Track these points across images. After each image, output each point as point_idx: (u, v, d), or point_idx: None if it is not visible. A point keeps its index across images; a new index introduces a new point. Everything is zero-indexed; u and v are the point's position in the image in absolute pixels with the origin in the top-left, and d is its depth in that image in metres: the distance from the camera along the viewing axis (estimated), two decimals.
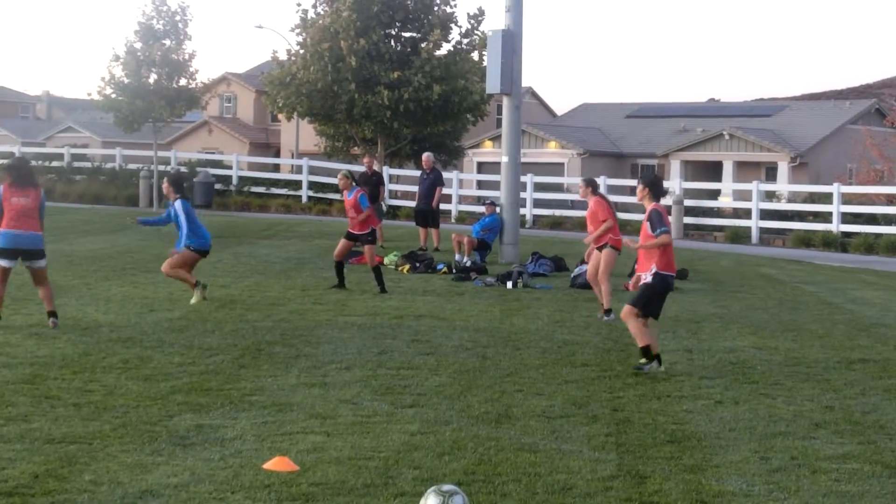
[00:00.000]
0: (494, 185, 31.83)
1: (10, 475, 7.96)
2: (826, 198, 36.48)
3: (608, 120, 68.06)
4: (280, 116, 54.50)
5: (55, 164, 50.51)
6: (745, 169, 57.78)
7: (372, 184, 26.98)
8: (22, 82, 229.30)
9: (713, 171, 58.43)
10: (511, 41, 24.88)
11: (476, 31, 43.69)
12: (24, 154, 46.38)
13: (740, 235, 36.11)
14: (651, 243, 12.30)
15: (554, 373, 12.28)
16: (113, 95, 42.17)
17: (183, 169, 47.46)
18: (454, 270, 22.06)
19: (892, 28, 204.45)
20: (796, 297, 20.41)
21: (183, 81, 42.66)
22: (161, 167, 45.43)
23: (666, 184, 43.84)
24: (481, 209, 29.81)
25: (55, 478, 7.94)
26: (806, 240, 34.53)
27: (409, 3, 43.35)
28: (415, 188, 31.74)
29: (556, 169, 58.54)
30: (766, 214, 36.77)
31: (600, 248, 16.89)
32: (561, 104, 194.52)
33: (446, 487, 7.31)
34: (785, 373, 12.63)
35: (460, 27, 43.94)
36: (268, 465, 8.28)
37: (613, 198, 41.22)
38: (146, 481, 7.92)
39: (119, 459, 8.43)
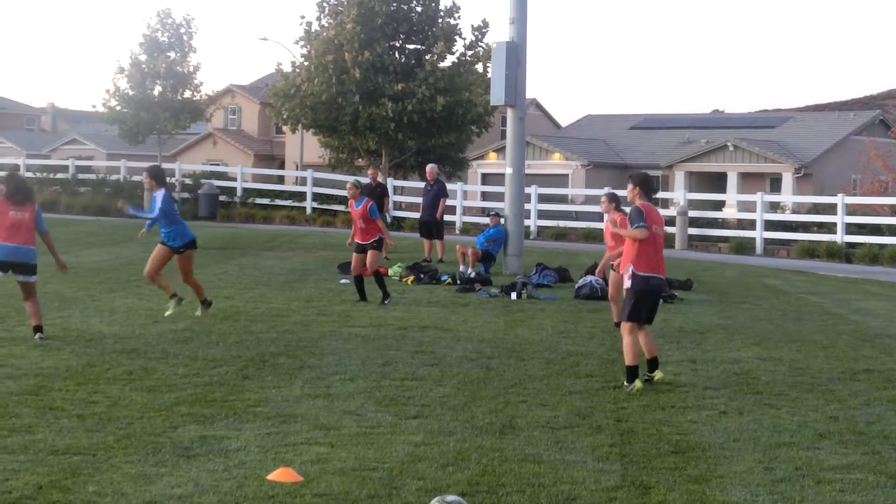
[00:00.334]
0: (499, 197, 31.95)
1: (14, 486, 7.96)
2: (830, 209, 36.47)
3: (612, 131, 68.12)
4: (284, 128, 54.48)
5: (60, 176, 50.56)
6: (749, 180, 57.80)
7: (376, 195, 26.95)
8: (27, 94, 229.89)
9: (717, 182, 58.46)
10: (515, 53, 24.90)
11: (480, 43, 43.79)
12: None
13: (745, 246, 36.08)
14: (626, 232, 12.13)
15: (558, 383, 12.27)
16: (118, 107, 42.36)
17: (187, 181, 47.52)
18: (458, 282, 22.06)
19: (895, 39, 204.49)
20: (800, 307, 20.40)
21: (187, 93, 42.87)
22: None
23: (670, 195, 44.06)
24: (486, 220, 29.80)
25: (59, 489, 7.94)
26: (810, 250, 34.50)
27: (413, 15, 43.44)
28: (419, 200, 31.76)
29: (561, 180, 58.61)
30: (770, 225, 36.74)
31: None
32: (565, 116, 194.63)
33: (450, 498, 7.32)
34: (789, 383, 12.62)
35: (464, 39, 44.06)
36: (272, 476, 8.28)
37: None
38: (150, 492, 7.92)
39: (123, 471, 8.43)
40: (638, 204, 12.13)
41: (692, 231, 37.31)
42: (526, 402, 11.23)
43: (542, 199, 41.58)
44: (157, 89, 42.28)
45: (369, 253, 19.05)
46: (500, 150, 56.79)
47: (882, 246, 33.46)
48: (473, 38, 43.93)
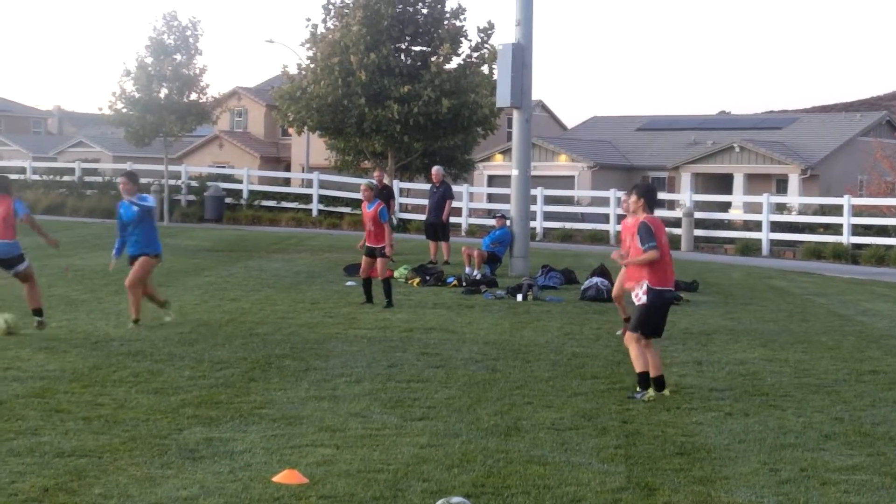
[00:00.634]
0: (505, 199, 31.80)
1: (21, 489, 7.98)
2: (837, 210, 36.47)
3: (618, 133, 68.10)
4: (290, 130, 54.58)
5: (66, 178, 50.66)
6: (755, 181, 57.77)
7: (382, 198, 26.97)
8: (33, 98, 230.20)
9: (724, 183, 58.43)
10: (521, 55, 24.91)
11: (486, 45, 43.76)
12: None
13: (751, 248, 36.08)
14: (640, 258, 11.69)
15: (563, 385, 12.27)
16: (124, 110, 42.34)
17: (193, 183, 47.57)
18: (464, 283, 22.07)
19: None
20: (806, 309, 20.38)
21: (193, 96, 42.83)
22: (172, 182, 45.56)
23: (676, 196, 44.04)
24: (491, 222, 29.83)
25: (65, 491, 7.96)
26: (816, 252, 34.50)
27: (419, 17, 43.44)
28: (425, 202, 31.77)
29: (567, 182, 58.57)
30: (776, 227, 36.74)
31: None
32: (571, 117, 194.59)
33: (455, 500, 7.33)
34: (794, 385, 12.62)
35: (470, 41, 44.03)
36: (277, 479, 8.30)
37: (624, 211, 41.30)
38: (156, 495, 7.94)
39: (129, 473, 8.45)
40: (644, 219, 11.77)
41: (698, 232, 37.31)
42: (531, 404, 11.24)
43: (549, 200, 41.62)
44: (163, 92, 42.26)
45: (378, 260, 19.10)
46: (506, 152, 56.80)
47: (889, 247, 33.45)
48: (479, 40, 43.92)
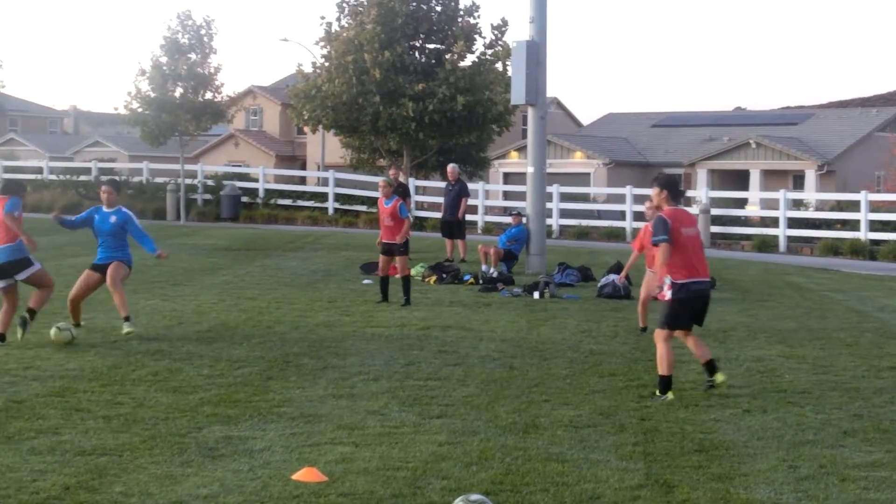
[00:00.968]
0: (520, 196, 31.90)
1: (42, 487, 8.02)
2: (854, 206, 36.36)
3: (634, 129, 68.01)
4: (306, 129, 54.55)
5: (83, 178, 50.80)
6: (772, 177, 57.63)
7: (398, 195, 27.02)
8: (49, 98, 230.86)
9: (740, 179, 58.30)
10: (535, 52, 24.91)
11: (500, 42, 43.72)
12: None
13: (768, 244, 36.01)
14: (658, 262, 11.55)
15: (581, 383, 12.28)
16: (139, 110, 42.48)
17: (209, 182, 47.67)
18: (481, 281, 22.09)
19: None
20: (824, 305, 20.34)
21: (209, 95, 42.95)
22: (188, 181, 45.67)
23: (692, 192, 43.95)
24: (508, 220, 29.81)
25: (86, 489, 8.00)
26: (834, 248, 34.41)
27: (432, 14, 43.42)
28: (441, 199, 31.78)
29: (583, 179, 58.54)
30: (793, 223, 36.66)
31: None
32: (586, 114, 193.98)
33: (474, 497, 7.33)
34: (813, 381, 12.60)
35: (484, 38, 43.98)
36: (296, 476, 8.32)
37: (640, 208, 41.26)
38: (176, 493, 7.97)
39: (149, 471, 8.48)
40: (663, 212, 11.61)
41: (715, 229, 37.25)
42: (549, 402, 11.24)
43: (564, 197, 41.59)
44: (179, 91, 42.39)
45: (398, 259, 19.15)
46: (522, 150, 56.75)
47: None
48: (493, 37, 43.85)
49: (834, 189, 53.12)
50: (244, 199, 46.12)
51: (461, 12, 43.69)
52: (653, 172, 62.13)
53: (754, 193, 49.70)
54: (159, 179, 49.20)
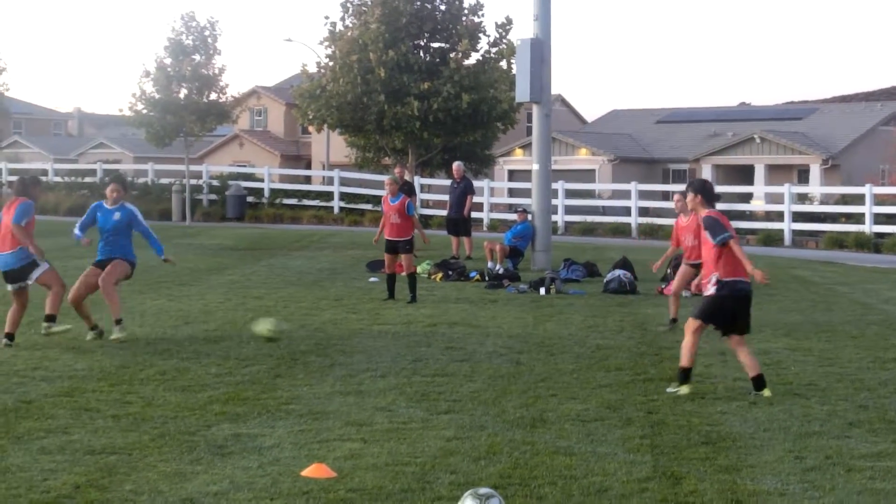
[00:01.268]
0: (526, 193, 31.93)
1: (52, 486, 8.07)
2: (858, 199, 36.38)
3: (638, 126, 68.03)
4: (310, 128, 54.68)
5: (88, 180, 50.87)
6: (776, 172, 57.64)
7: (404, 193, 27.06)
8: (53, 100, 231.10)
9: (745, 174, 58.31)
10: (539, 49, 24.93)
11: (504, 40, 43.80)
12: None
13: (773, 238, 36.01)
14: (739, 256, 11.30)
15: (588, 377, 12.31)
16: (144, 111, 42.55)
17: (215, 182, 47.75)
18: (487, 278, 22.12)
19: None
20: (829, 298, 20.37)
21: (213, 96, 43.00)
22: (193, 181, 45.73)
23: None
24: (513, 217, 29.85)
25: (96, 488, 8.04)
26: (839, 241, 34.42)
27: (437, 13, 43.51)
28: (446, 197, 31.82)
29: (588, 175, 58.61)
30: (798, 217, 36.67)
31: (694, 264, 15.62)
32: (591, 111, 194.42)
33: (483, 491, 7.37)
34: (819, 373, 12.63)
35: (488, 37, 44.09)
36: (306, 473, 8.36)
37: (645, 203, 41.35)
38: (186, 490, 8.01)
39: (158, 469, 8.53)
40: (707, 213, 11.56)
41: None
42: (556, 396, 11.28)
43: (570, 194, 41.60)
44: (183, 92, 42.43)
45: (404, 257, 19.22)
46: (527, 147, 56.81)
47: None
48: (497, 36, 43.96)
49: (838, 183, 53.10)
50: (249, 198, 46.18)
51: (465, 11, 43.79)
52: (658, 168, 62.28)
53: (759, 188, 49.74)
54: (164, 180, 49.27)
